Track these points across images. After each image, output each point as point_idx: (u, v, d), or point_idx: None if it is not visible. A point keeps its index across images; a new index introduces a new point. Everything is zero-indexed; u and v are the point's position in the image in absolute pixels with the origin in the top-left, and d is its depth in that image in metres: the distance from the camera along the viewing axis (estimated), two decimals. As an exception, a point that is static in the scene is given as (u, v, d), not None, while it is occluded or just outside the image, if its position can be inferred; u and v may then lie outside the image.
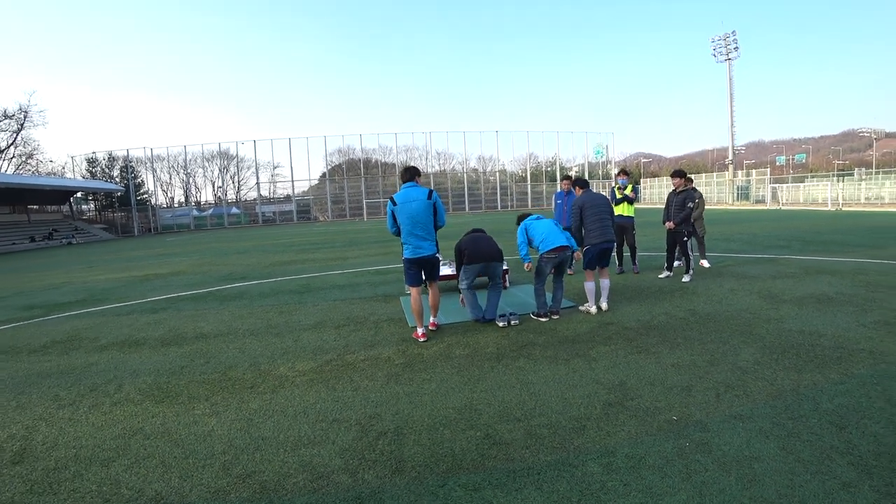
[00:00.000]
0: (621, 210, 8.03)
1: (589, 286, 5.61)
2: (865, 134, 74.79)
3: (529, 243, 5.51)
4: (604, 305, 5.70)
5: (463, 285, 5.50)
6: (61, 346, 5.51)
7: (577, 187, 6.43)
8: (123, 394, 3.90)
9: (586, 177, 56.69)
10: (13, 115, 45.41)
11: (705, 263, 8.34)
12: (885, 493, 2.15)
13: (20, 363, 4.91)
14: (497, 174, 57.68)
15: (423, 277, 5.01)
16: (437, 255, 4.97)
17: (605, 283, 5.78)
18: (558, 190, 8.50)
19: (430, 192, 4.90)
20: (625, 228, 8.00)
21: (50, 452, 2.98)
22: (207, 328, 5.92)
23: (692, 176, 8.56)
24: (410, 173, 4.99)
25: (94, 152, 51.99)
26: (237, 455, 2.82)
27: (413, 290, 4.91)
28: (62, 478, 2.68)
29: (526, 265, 5.57)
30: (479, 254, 5.33)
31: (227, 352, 4.89)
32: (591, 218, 5.67)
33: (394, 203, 4.86)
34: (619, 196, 8.05)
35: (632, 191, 8.10)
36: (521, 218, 5.85)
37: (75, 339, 5.81)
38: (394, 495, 2.36)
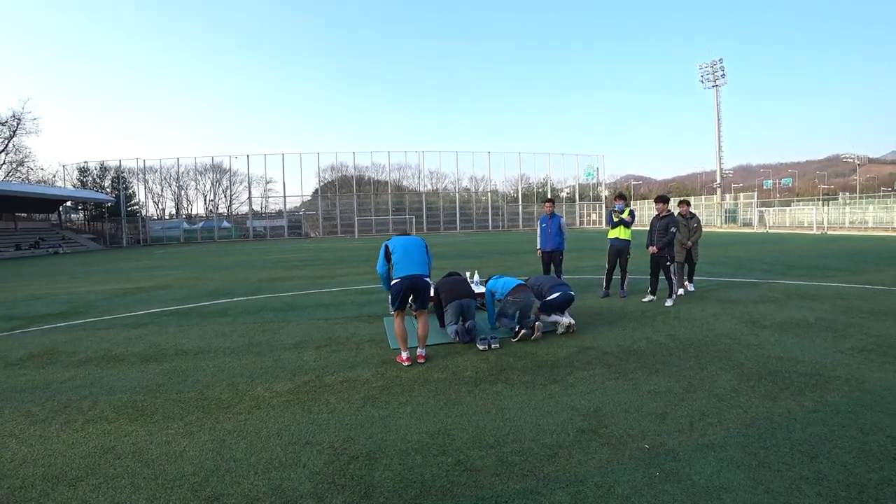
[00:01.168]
0: (617, 233, 8.15)
1: (549, 318, 5.89)
2: (849, 160, 76.51)
3: (494, 297, 5.96)
4: (570, 319, 5.82)
5: (451, 328, 5.62)
6: (38, 359, 5.42)
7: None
8: (97, 411, 3.84)
9: (577, 198, 57.33)
10: (6, 122, 45.13)
11: (689, 287, 8.45)
12: (850, 526, 2.17)
13: (-6, 377, 4.83)
14: (489, 194, 58.11)
15: (410, 301, 4.97)
16: (428, 279, 4.99)
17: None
18: (542, 214, 8.64)
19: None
20: (620, 252, 8.12)
21: (17, 470, 2.92)
22: (188, 345, 5.87)
23: (690, 199, 9.42)
24: (403, 229, 5.29)
25: (86, 162, 51.77)
26: (207, 477, 2.79)
27: (397, 315, 4.90)
28: (28, 497, 2.63)
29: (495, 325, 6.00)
30: (455, 294, 5.71)
31: (206, 370, 4.85)
32: (546, 283, 6.13)
33: (387, 241, 5.13)
34: (615, 220, 8.18)
35: (629, 215, 8.22)
36: (487, 280, 6.41)
37: (53, 352, 5.72)
38: (360, 522, 2.35)
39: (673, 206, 8.12)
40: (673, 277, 7.41)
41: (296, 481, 2.72)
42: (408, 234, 5.26)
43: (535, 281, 6.27)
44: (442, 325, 5.98)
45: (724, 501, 2.39)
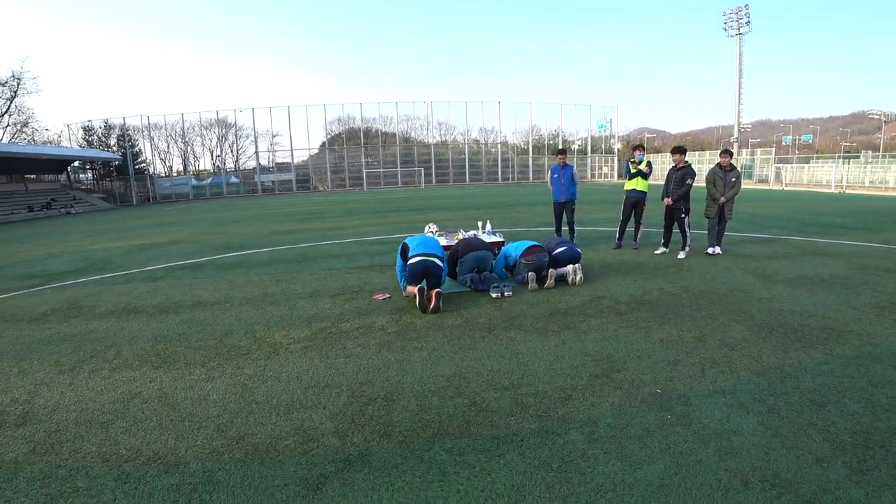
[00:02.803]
0: (635, 185, 7.99)
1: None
2: (875, 116, 73.29)
3: (507, 260, 6.00)
4: (580, 274, 5.85)
5: (464, 277, 5.74)
6: (61, 314, 5.57)
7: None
8: (122, 360, 3.98)
9: (589, 151, 56.09)
10: (6, 83, 44.34)
11: (717, 249, 7.47)
12: (857, 470, 2.22)
13: (21, 331, 4.98)
14: (499, 146, 56.99)
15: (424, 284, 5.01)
16: (443, 265, 5.14)
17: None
18: (554, 164, 8.47)
19: None
20: (636, 203, 8.01)
21: (51, 415, 3.06)
22: (205, 296, 5.98)
23: (732, 149, 8.40)
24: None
25: (90, 121, 51.06)
26: (231, 418, 2.90)
27: (409, 288, 5.07)
28: (63, 439, 2.77)
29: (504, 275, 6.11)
30: (472, 246, 5.76)
31: (224, 319, 4.96)
32: (553, 241, 6.29)
33: (406, 240, 5.46)
34: (633, 171, 8.00)
35: (647, 166, 8.00)
36: None
37: (74, 307, 5.87)
38: (381, 458, 2.45)
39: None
40: (687, 230, 7.31)
41: (317, 421, 2.82)
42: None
43: (545, 241, 6.34)
44: (455, 278, 6.04)
45: (732, 443, 2.45)
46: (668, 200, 7.33)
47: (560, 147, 10.23)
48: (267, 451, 2.55)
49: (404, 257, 5.30)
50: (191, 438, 2.70)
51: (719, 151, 7.95)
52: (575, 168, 8.40)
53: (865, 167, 32.05)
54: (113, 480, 2.36)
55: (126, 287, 6.81)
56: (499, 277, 6.08)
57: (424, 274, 5.00)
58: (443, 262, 5.16)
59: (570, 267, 5.83)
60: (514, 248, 5.95)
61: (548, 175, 8.63)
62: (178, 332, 4.61)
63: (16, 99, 45.55)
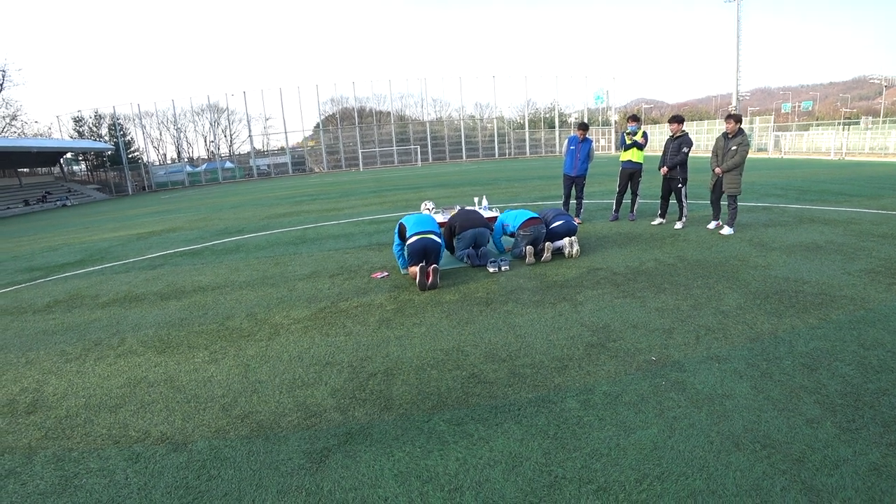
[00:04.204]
0: (630, 156, 7.94)
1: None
2: (876, 81, 72.12)
3: (504, 230, 5.99)
4: (576, 247, 5.88)
5: (461, 254, 5.76)
6: (64, 304, 5.62)
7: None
8: (126, 346, 4.04)
9: (586, 121, 55.50)
10: (-9, 77, 43.64)
11: (727, 230, 6.66)
12: (846, 429, 2.28)
13: (26, 322, 5.03)
14: (495, 121, 56.36)
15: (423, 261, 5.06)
16: (441, 241, 5.15)
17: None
18: (572, 134, 8.31)
19: None
20: (632, 174, 7.97)
21: (61, 402, 3.13)
22: (205, 281, 6.03)
23: (739, 114, 6.95)
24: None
25: (79, 111, 50.50)
26: (235, 398, 2.97)
27: (411, 268, 5.07)
28: (74, 424, 2.84)
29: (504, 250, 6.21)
30: (469, 223, 5.71)
31: (225, 303, 5.01)
32: (550, 212, 6.21)
33: (402, 220, 5.41)
34: (628, 142, 7.93)
35: (642, 136, 7.92)
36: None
37: (77, 297, 5.91)
38: (382, 430, 2.52)
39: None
40: (684, 200, 7.30)
41: (319, 398, 2.89)
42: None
43: (542, 213, 6.32)
44: (453, 253, 6.07)
45: (725, 407, 2.51)
46: (664, 170, 7.30)
47: (582, 122, 9.88)
48: (271, 427, 2.62)
49: (402, 237, 5.31)
50: (197, 418, 2.77)
51: (725, 116, 6.92)
52: (593, 144, 8.26)
53: (865, 133, 31.73)
54: (124, 461, 2.43)
55: (126, 276, 6.85)
56: (498, 252, 6.11)
57: (423, 252, 5.02)
58: (440, 237, 5.18)
59: (566, 240, 5.86)
60: (512, 218, 5.93)
61: (563, 146, 8.46)
62: (181, 318, 4.66)
63: (2, 92, 44.87)
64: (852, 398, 2.54)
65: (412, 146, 49.19)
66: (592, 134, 54.76)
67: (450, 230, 5.89)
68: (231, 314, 4.63)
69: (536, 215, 5.96)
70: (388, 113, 54.74)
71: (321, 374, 3.20)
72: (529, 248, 5.63)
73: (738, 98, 45.48)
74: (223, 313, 4.68)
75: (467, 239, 5.67)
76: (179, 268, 7.05)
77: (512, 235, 5.95)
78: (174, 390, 3.15)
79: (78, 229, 14.99)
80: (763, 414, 2.44)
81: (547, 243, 5.75)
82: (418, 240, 5.02)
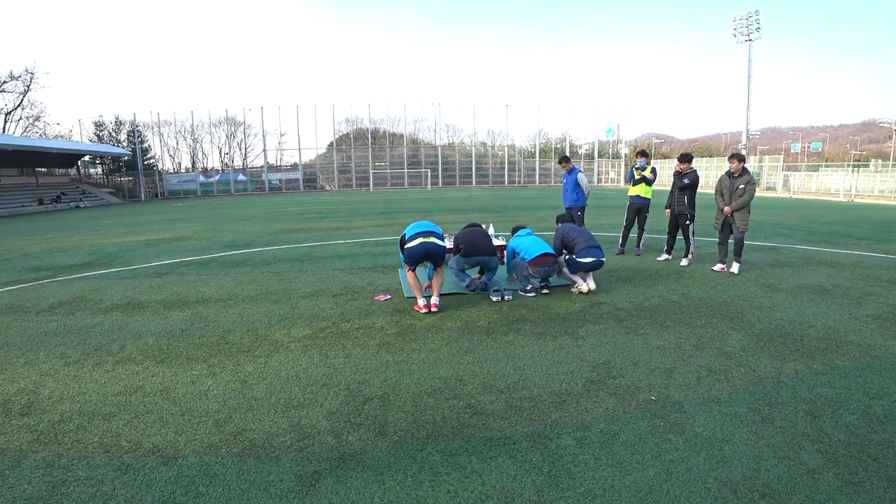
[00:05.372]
0: (638, 191, 8.00)
1: (571, 274, 5.72)
2: (886, 125, 72.53)
3: (516, 256, 5.75)
4: (592, 285, 5.65)
5: (453, 268, 5.61)
6: (67, 306, 5.66)
7: (557, 222, 6.63)
8: (126, 353, 4.04)
9: (596, 155, 55.92)
10: (19, 77, 45.08)
11: (736, 267, 6.61)
12: (848, 482, 2.22)
13: (28, 322, 5.07)
14: (506, 149, 56.98)
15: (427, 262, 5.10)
16: (443, 244, 5.07)
17: (590, 276, 5.79)
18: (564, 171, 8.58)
19: None
20: (640, 209, 8.03)
21: (55, 406, 3.13)
22: (209, 293, 6.06)
23: (743, 153, 7.08)
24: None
25: (101, 116, 51.82)
26: (230, 414, 2.95)
27: (409, 270, 5.07)
28: (66, 429, 2.83)
29: (510, 277, 6.04)
30: (476, 249, 5.49)
31: (227, 316, 5.02)
32: (579, 238, 5.68)
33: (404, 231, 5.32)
34: (637, 177, 8.01)
35: (651, 172, 8.00)
36: (515, 229, 6.13)
37: (81, 300, 5.96)
38: (375, 457, 2.49)
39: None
40: (691, 237, 7.30)
41: (314, 419, 2.87)
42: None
43: (567, 229, 5.85)
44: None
45: (724, 452, 2.46)
46: (668, 211, 7.39)
47: (565, 154, 10.27)
48: (263, 446, 2.59)
49: (403, 246, 5.16)
50: (190, 432, 2.75)
51: (728, 156, 6.94)
52: (578, 174, 8.34)
53: (875, 176, 31.72)
54: (113, 471, 2.41)
55: (132, 282, 6.90)
56: (505, 282, 6.01)
57: (425, 256, 4.94)
58: (442, 240, 5.06)
59: (583, 286, 5.55)
60: (526, 247, 5.56)
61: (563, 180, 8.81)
62: (182, 328, 4.67)
63: (28, 93, 46.21)
64: (856, 449, 2.48)
65: (423, 169, 49.75)
66: (602, 166, 55.21)
67: (456, 249, 5.73)
68: (232, 328, 4.64)
69: (551, 250, 5.55)
70: (402, 135, 55.58)
71: (317, 396, 3.18)
72: (531, 288, 5.50)
73: (748, 136, 45.78)
74: (224, 327, 4.69)
75: (472, 264, 5.57)
76: (185, 277, 7.10)
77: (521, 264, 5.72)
78: (169, 402, 3.14)
79: (89, 231, 15.18)
80: (763, 461, 2.39)
81: (565, 270, 5.57)
82: (420, 244, 4.91)
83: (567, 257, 5.67)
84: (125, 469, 2.43)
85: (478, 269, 5.82)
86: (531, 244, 5.57)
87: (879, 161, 44.09)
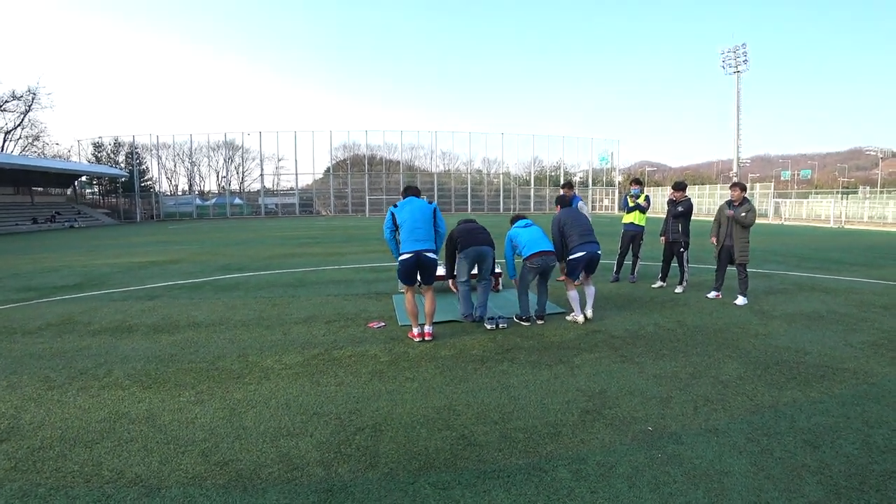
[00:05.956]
0: (632, 218, 8.06)
1: (572, 295, 5.55)
2: (872, 153, 74.46)
3: (514, 250, 5.60)
4: (589, 313, 5.58)
5: (461, 279, 5.53)
6: (55, 328, 5.56)
7: (557, 205, 6.13)
8: (112, 378, 3.95)
9: (590, 183, 56.65)
10: (21, 97, 45.61)
11: (742, 300, 6.43)
12: (850, 514, 2.18)
13: (14, 344, 4.97)
14: (501, 176, 57.68)
15: (419, 278, 4.98)
16: (436, 256, 4.96)
17: (591, 290, 5.69)
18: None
19: (432, 202, 5.14)
20: (633, 237, 8.05)
21: (36, 432, 3.03)
22: (200, 317, 5.98)
23: (745, 183, 7.13)
24: (411, 191, 5.20)
25: (100, 137, 52.29)
26: (217, 443, 2.87)
27: (408, 291, 4.95)
28: (46, 457, 2.73)
29: (513, 280, 5.77)
30: (473, 240, 5.49)
31: (218, 342, 4.94)
32: (574, 231, 5.52)
33: (395, 207, 5.04)
34: (631, 204, 8.07)
35: (645, 200, 8.06)
36: (514, 219, 5.95)
37: (69, 322, 5.86)
38: (364, 490, 2.41)
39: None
40: (685, 264, 7.34)
41: (303, 450, 2.79)
42: (417, 197, 5.10)
43: (564, 218, 5.63)
44: (452, 274, 5.86)
45: (724, 485, 2.41)
46: (662, 239, 7.46)
47: (569, 180, 9.99)
48: (250, 478, 2.51)
49: (395, 226, 4.96)
50: (175, 462, 2.66)
51: (730, 185, 7.02)
52: (579, 203, 8.02)
53: (864, 202, 32.30)
54: (92, 502, 2.32)
55: (122, 304, 6.81)
56: (509, 277, 5.81)
57: (417, 268, 4.83)
58: (436, 253, 4.94)
59: (579, 317, 5.47)
60: (524, 240, 5.41)
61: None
62: (171, 353, 4.59)
63: (29, 113, 46.65)
64: (857, 480, 2.44)
65: (419, 195, 50.11)
66: (597, 194, 55.85)
67: (452, 244, 5.64)
68: (222, 354, 4.56)
69: (550, 247, 5.39)
70: (398, 162, 56.24)
71: (307, 425, 3.10)
72: (529, 318, 5.45)
73: (738, 164, 46.63)
74: (214, 352, 4.61)
75: (470, 257, 5.41)
76: (176, 301, 7.01)
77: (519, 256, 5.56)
78: (155, 429, 3.05)
79: (81, 252, 15.06)
80: (763, 494, 2.33)
81: (576, 308, 5.43)
82: (411, 257, 4.78)
83: (566, 261, 5.55)
84: (105, 500, 2.33)
85: (477, 269, 5.65)
86: (529, 239, 5.42)
87: (867, 188, 44.94)
